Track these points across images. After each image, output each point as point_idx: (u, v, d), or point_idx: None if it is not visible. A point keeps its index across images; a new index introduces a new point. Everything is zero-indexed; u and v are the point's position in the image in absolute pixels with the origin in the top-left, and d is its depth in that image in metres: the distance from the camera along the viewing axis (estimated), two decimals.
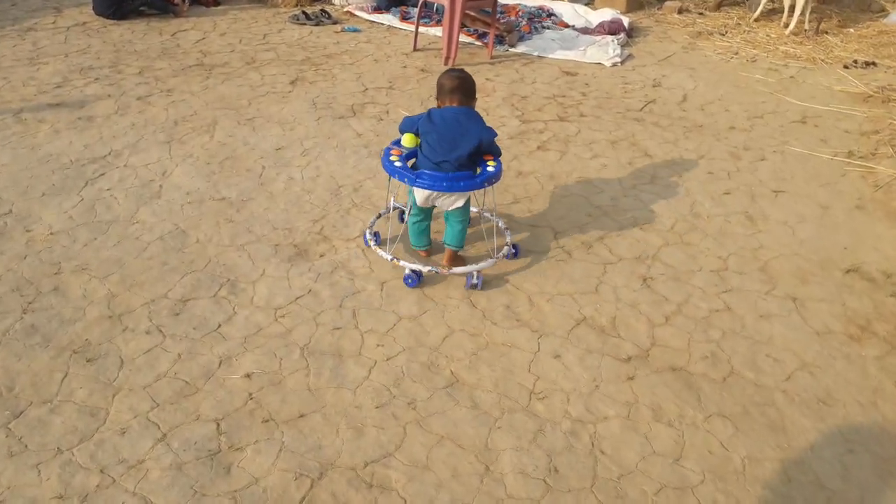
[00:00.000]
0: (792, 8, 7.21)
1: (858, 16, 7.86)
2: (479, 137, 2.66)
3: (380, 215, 3.26)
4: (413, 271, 2.81)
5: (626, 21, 6.83)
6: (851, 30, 7.28)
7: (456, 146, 2.65)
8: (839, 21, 7.54)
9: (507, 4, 7.37)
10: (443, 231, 2.96)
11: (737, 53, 6.42)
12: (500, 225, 3.18)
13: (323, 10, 6.57)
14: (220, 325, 2.58)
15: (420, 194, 2.71)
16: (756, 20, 7.50)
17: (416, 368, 2.44)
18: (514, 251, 3.06)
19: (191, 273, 2.86)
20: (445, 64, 5.56)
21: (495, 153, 2.80)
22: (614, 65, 5.88)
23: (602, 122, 4.67)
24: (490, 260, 2.91)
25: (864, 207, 3.71)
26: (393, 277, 2.90)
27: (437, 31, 6.37)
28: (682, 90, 5.38)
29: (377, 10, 6.88)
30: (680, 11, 7.86)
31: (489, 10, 5.75)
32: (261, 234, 3.14)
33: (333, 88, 4.94)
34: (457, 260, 2.93)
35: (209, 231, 3.15)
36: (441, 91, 2.75)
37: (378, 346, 2.53)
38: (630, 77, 5.63)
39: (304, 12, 6.45)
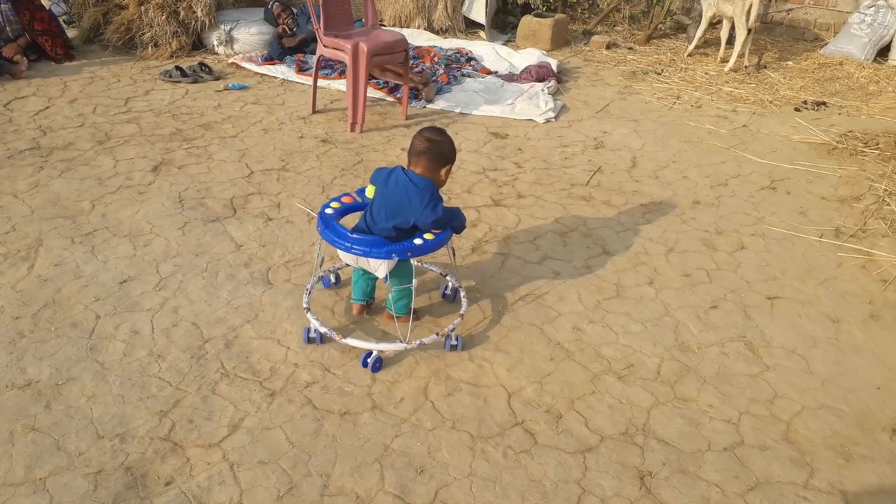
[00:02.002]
0: (729, 42, 6.65)
1: (793, 45, 7.41)
2: (413, 218, 2.36)
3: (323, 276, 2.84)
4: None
5: (553, 64, 6.07)
6: (790, 62, 6.79)
7: (389, 217, 2.39)
8: (777, 54, 7.04)
9: (420, 48, 6.50)
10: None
11: (678, 98, 5.76)
12: (460, 294, 2.80)
13: (202, 64, 5.51)
14: None
15: (341, 252, 2.47)
16: (690, 55, 6.91)
17: None
18: (455, 343, 2.57)
19: None
20: (351, 131, 4.61)
21: (449, 227, 2.47)
22: (548, 121, 5.08)
23: (545, 204, 3.82)
24: (398, 343, 2.49)
25: (880, 316, 2.98)
26: None
27: (341, 85, 5.43)
28: (629, 151, 4.62)
29: (269, 60, 5.87)
30: (608, 47, 7.21)
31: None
32: (75, 453, 2.09)
33: (209, 174, 3.90)
34: (393, 321, 2.60)
35: None
36: (410, 149, 2.46)
37: None
38: (568, 136, 4.84)
39: (177, 67, 5.37)
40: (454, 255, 3.05)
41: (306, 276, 3.02)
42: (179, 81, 5.30)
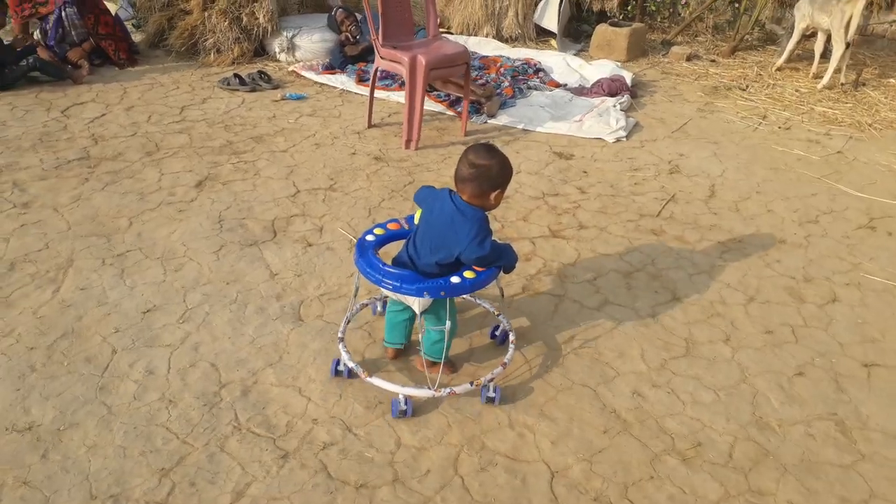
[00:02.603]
0: (823, 56, 6.08)
1: (895, 60, 6.74)
2: (458, 251, 2.11)
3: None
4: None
5: (628, 77, 5.67)
6: (893, 80, 6.15)
7: (432, 250, 2.15)
8: (878, 70, 6.41)
9: (486, 57, 6.21)
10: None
11: (765, 117, 5.27)
12: (509, 339, 2.53)
13: (261, 73, 5.38)
14: None
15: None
16: (779, 69, 6.36)
17: None
18: (493, 395, 2.32)
19: None
20: (406, 148, 4.36)
21: (496, 265, 2.20)
22: (618, 140, 4.70)
23: (609, 237, 3.47)
24: (426, 390, 2.26)
25: None
26: None
27: (400, 97, 5.20)
28: (707, 178, 4.20)
29: (329, 69, 5.70)
30: (689, 59, 6.73)
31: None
32: None
33: (253, 192, 3.73)
34: (432, 367, 2.37)
35: None
36: (455, 174, 2.16)
37: None
38: (639, 158, 4.45)
39: (236, 75, 5.25)
40: (503, 295, 2.75)
41: (340, 312, 2.78)
42: (237, 90, 5.19)
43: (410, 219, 2.43)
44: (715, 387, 2.50)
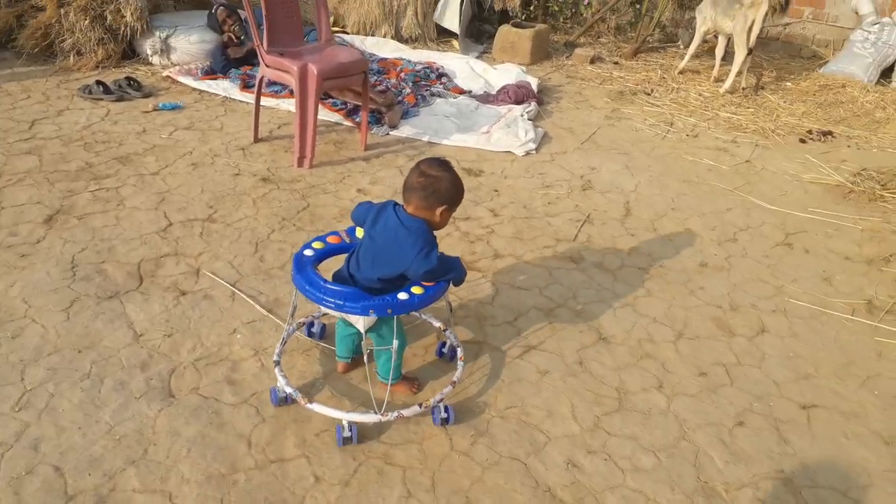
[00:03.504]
0: (723, 58, 6.07)
1: (790, 63, 6.87)
2: (403, 267, 2.01)
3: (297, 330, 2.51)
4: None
5: (534, 83, 5.42)
6: (789, 83, 6.24)
7: (374, 266, 2.05)
8: (774, 73, 6.48)
9: (385, 60, 5.80)
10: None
11: (672, 124, 5.16)
12: (457, 354, 2.43)
13: (129, 79, 4.75)
14: None
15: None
16: (681, 72, 6.32)
17: None
18: (445, 415, 2.20)
19: None
20: (299, 166, 3.91)
21: (444, 278, 2.10)
22: (528, 153, 4.43)
23: (527, 269, 3.17)
24: (371, 415, 2.14)
25: None
26: None
27: (291, 105, 4.71)
28: (620, 193, 4.00)
29: (210, 73, 5.12)
30: (593, 61, 6.59)
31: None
32: None
33: (116, 227, 3.18)
34: (397, 389, 2.30)
35: None
36: (404, 184, 2.08)
37: None
38: (551, 173, 4.19)
39: (99, 82, 4.59)
40: (451, 309, 2.54)
41: (220, 381, 2.33)
42: (101, 99, 4.54)
43: (352, 231, 2.31)
44: (654, 447, 2.24)
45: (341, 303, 1.98)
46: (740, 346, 2.78)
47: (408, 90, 5.08)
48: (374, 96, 4.71)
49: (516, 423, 2.28)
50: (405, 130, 4.58)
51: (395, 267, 2.02)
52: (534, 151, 4.47)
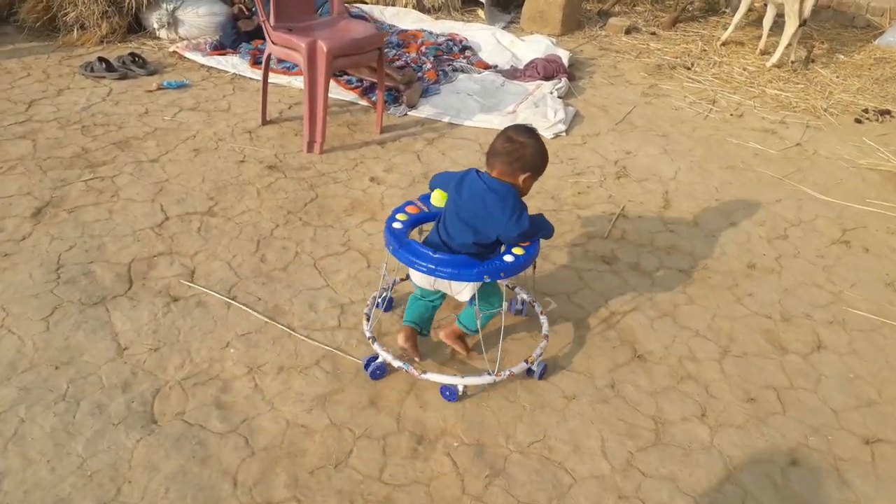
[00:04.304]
0: (771, 29, 5.61)
1: (842, 34, 6.36)
2: (498, 231, 2.03)
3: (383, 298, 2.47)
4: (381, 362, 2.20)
5: (565, 57, 5.04)
6: (842, 56, 5.76)
7: (466, 231, 2.03)
8: (826, 45, 6.00)
9: (405, 32, 5.46)
10: None
11: (714, 102, 4.77)
12: (541, 319, 2.45)
13: (134, 55, 4.49)
14: None
15: (415, 273, 2.09)
16: (724, 44, 5.87)
17: None
18: (540, 370, 2.27)
19: None
20: (308, 151, 3.63)
21: (536, 237, 2.14)
22: (557, 135, 4.09)
23: (554, 270, 2.88)
24: (486, 376, 2.18)
25: None
26: None
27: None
28: (659, 181, 3.66)
29: (219, 49, 4.84)
30: (628, 31, 6.17)
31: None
32: None
33: (108, 222, 2.94)
34: (459, 341, 2.31)
35: None
36: (489, 150, 2.08)
37: None
38: (582, 159, 3.86)
39: (101, 59, 4.34)
40: (535, 266, 2.43)
41: (208, 405, 2.09)
42: (103, 77, 4.29)
43: (426, 198, 2.31)
44: (695, 491, 1.96)
45: (456, 271, 1.99)
46: (794, 364, 2.47)
47: (428, 65, 4.74)
48: (391, 73, 4.39)
49: (538, 461, 2.01)
50: (424, 110, 4.26)
51: (488, 232, 2.03)
52: (563, 133, 4.13)
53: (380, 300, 2.44)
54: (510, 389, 2.25)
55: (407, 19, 5.84)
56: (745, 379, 2.38)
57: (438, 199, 2.25)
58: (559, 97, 4.53)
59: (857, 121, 4.62)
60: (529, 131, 2.07)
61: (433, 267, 2.00)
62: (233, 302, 2.51)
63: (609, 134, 4.19)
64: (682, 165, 3.85)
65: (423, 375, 2.15)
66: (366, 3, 6.13)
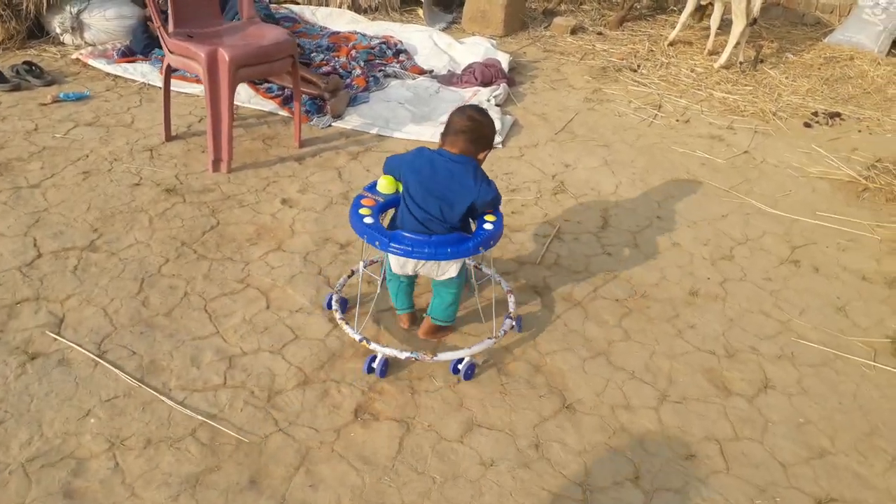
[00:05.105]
0: (719, 28, 5.42)
1: (791, 32, 6.21)
2: (473, 196, 2.07)
3: (352, 273, 2.54)
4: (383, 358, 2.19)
5: (504, 61, 4.77)
6: (791, 56, 5.59)
7: (444, 200, 2.07)
8: (775, 43, 5.83)
9: (337, 34, 5.12)
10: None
11: (660, 107, 4.53)
12: (503, 287, 2.55)
13: (29, 64, 4.08)
14: None
15: (396, 261, 2.14)
16: (672, 44, 5.66)
17: None
18: (514, 324, 2.39)
19: None
20: (214, 170, 3.29)
21: (494, 207, 2.19)
22: (493, 148, 3.79)
23: (478, 306, 2.58)
24: (488, 341, 2.25)
25: None
26: None
27: None
28: (598, 197, 3.41)
29: (128, 55, 4.44)
30: (574, 32, 5.93)
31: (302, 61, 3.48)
32: None
33: None
34: (437, 333, 2.35)
35: None
36: (447, 128, 2.13)
37: None
38: (518, 173, 3.59)
39: None
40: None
41: (54, 495, 1.75)
42: None
43: (371, 187, 2.26)
44: None
45: (455, 249, 2.03)
46: (738, 410, 2.22)
47: (358, 71, 4.42)
48: (315, 80, 4.07)
49: None
50: (351, 121, 3.94)
51: (460, 202, 2.06)
52: (500, 146, 3.85)
53: (335, 303, 2.38)
54: (420, 457, 1.95)
55: (340, 20, 5.51)
56: (684, 430, 2.13)
57: (386, 185, 2.21)
58: (497, 105, 4.25)
59: (807, 125, 4.44)
60: (482, 111, 2.18)
61: (433, 251, 2.01)
62: (100, 360, 2.17)
63: (548, 145, 3.92)
64: (623, 179, 3.60)
65: (434, 358, 2.18)
66: (297, 3, 5.77)
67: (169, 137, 3.54)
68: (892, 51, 5.69)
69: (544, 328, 2.49)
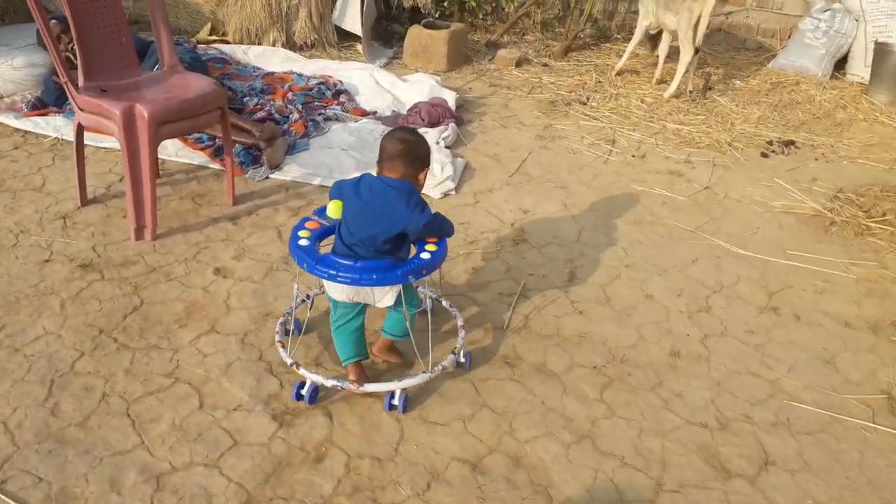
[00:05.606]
0: (667, 57, 5.33)
1: (735, 57, 6.19)
2: (404, 223, 2.06)
3: (306, 298, 2.53)
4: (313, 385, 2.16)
5: (451, 99, 4.54)
6: (738, 82, 5.55)
7: (373, 224, 2.06)
8: (721, 70, 5.78)
9: (272, 75, 4.81)
10: None
11: (614, 142, 4.37)
12: (451, 312, 2.54)
13: None
14: None
15: (332, 287, 2.11)
16: (619, 73, 5.55)
17: None
18: (467, 360, 2.35)
19: None
20: (137, 238, 2.93)
21: (440, 234, 2.19)
22: (445, 195, 3.56)
23: (442, 383, 2.30)
24: (421, 375, 2.20)
25: None
26: None
27: None
28: (561, 247, 3.19)
29: (38, 107, 4.04)
30: (519, 64, 5.76)
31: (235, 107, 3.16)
32: None
33: None
34: (392, 352, 2.35)
35: None
36: (381, 154, 2.15)
37: None
38: (475, 222, 3.34)
39: None
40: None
41: None
42: None
43: (321, 211, 2.26)
44: None
45: (381, 276, 2.00)
46: (741, 496, 2.00)
47: (296, 115, 4.12)
48: (249, 127, 3.76)
49: None
50: (291, 171, 3.64)
51: (392, 225, 2.04)
52: (453, 192, 3.60)
53: (289, 327, 2.39)
54: None
55: (274, 59, 5.21)
56: None
57: (335, 210, 2.16)
58: (447, 147, 4.01)
59: (764, 154, 4.33)
60: (413, 131, 2.23)
61: (357, 276, 1.99)
62: None
63: (503, 189, 3.69)
64: (585, 224, 3.39)
65: (361, 388, 2.14)
66: (227, 42, 5.44)
67: (85, 201, 3.17)
68: (836, 73, 5.71)
69: (520, 411, 2.22)
